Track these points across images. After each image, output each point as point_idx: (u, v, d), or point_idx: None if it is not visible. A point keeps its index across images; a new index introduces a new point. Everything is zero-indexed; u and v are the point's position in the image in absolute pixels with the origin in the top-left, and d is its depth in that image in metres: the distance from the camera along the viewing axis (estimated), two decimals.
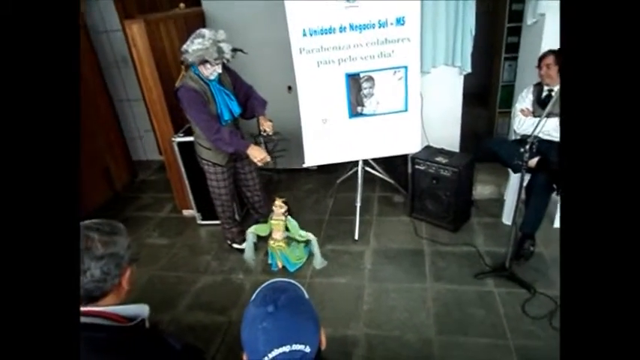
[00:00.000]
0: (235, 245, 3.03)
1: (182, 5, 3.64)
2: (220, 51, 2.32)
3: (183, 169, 3.15)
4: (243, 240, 2.97)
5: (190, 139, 3.02)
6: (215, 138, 2.44)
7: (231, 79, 2.61)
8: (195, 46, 2.28)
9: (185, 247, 3.19)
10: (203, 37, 2.29)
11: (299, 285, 0.96)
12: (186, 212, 3.56)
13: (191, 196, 3.29)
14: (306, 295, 0.94)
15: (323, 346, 0.93)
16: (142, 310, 1.08)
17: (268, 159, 2.53)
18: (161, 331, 1.15)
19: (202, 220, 3.40)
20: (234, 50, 2.42)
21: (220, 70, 2.43)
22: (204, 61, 2.32)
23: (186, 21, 3.47)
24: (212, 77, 2.43)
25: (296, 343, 0.83)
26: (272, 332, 0.83)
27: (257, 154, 2.49)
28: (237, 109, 2.58)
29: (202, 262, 2.99)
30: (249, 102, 2.65)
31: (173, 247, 3.20)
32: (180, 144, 3.05)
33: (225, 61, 2.41)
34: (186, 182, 3.21)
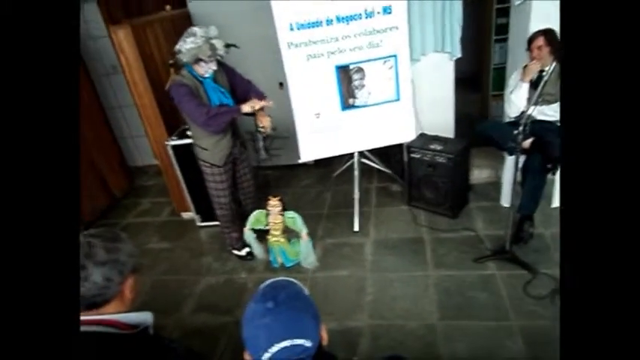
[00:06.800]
0: (235, 252, 3.00)
1: (168, 7, 3.62)
2: (213, 48, 2.32)
3: (179, 172, 3.15)
4: (243, 246, 2.96)
5: (185, 141, 3.03)
6: (206, 118, 2.36)
7: (228, 76, 2.60)
8: (188, 45, 2.28)
9: (186, 250, 3.20)
10: (195, 35, 2.29)
11: (299, 283, 0.97)
12: (185, 215, 3.56)
13: (189, 199, 3.29)
14: (307, 292, 0.95)
15: (324, 342, 0.93)
16: (145, 317, 1.08)
17: (263, 104, 2.47)
18: (165, 338, 1.15)
19: (202, 221, 3.40)
20: (227, 46, 2.42)
21: (215, 67, 2.42)
22: (198, 60, 2.33)
23: (174, 23, 3.45)
24: (207, 75, 2.43)
25: (297, 338, 0.83)
26: (272, 327, 0.83)
27: (250, 105, 2.43)
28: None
29: (204, 264, 3.00)
30: (249, 97, 2.58)
31: (174, 251, 3.21)
32: (174, 147, 3.05)
33: (219, 58, 2.41)
34: (183, 185, 3.21)
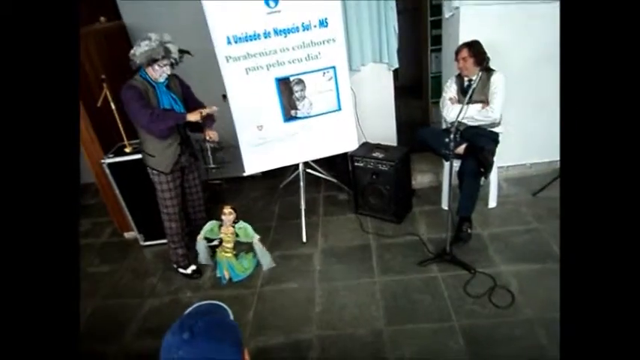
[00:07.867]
0: (181, 270, 2.90)
1: (102, 19, 3.49)
2: (167, 51, 2.35)
3: (117, 191, 3.01)
4: (189, 264, 2.89)
5: (123, 158, 2.92)
6: (150, 118, 2.37)
7: (183, 89, 2.63)
8: (142, 48, 2.31)
9: (129, 272, 3.06)
10: (150, 39, 2.33)
11: (224, 307, 0.96)
12: (127, 235, 3.41)
13: (130, 218, 3.16)
14: (231, 316, 0.94)
15: None
16: None
17: (209, 111, 2.51)
18: None
19: (145, 241, 3.27)
20: (181, 52, 2.45)
21: (169, 72, 2.44)
22: (152, 61, 2.34)
23: (107, 36, 3.33)
24: (161, 79, 2.43)
25: None
26: None
27: (196, 115, 2.46)
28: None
29: (148, 285, 2.88)
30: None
31: (116, 273, 3.06)
32: (111, 165, 2.92)
33: (173, 61, 2.43)
34: (124, 204, 3.08)
